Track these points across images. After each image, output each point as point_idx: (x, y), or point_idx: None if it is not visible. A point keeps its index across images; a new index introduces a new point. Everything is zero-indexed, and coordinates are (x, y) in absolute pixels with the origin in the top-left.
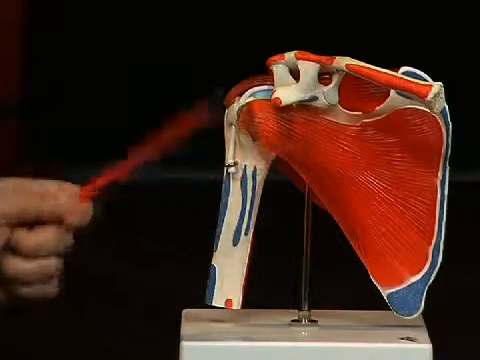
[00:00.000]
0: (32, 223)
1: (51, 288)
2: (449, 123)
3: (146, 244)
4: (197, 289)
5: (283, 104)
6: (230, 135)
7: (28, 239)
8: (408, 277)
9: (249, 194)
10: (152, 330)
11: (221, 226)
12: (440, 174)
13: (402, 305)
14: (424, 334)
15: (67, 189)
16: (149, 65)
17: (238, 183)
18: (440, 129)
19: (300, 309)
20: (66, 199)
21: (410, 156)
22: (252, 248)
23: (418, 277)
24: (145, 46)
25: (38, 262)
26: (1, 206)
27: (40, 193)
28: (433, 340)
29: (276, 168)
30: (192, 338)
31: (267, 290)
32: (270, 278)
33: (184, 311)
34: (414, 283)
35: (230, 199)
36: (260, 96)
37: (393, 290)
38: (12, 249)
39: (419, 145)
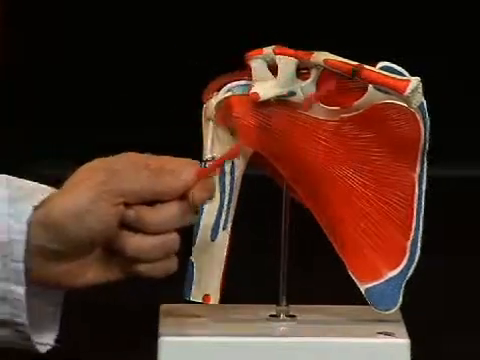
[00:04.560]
0: (149, 201)
1: (172, 263)
2: (427, 118)
3: None
4: (175, 284)
5: (261, 99)
6: (208, 130)
7: (152, 215)
8: (386, 272)
9: (227, 189)
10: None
11: (199, 221)
12: (418, 169)
13: (380, 300)
14: (402, 329)
15: (187, 165)
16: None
17: (216, 178)
18: (418, 124)
19: (278, 304)
20: (187, 176)
21: (388, 151)
22: (230, 243)
23: (396, 272)
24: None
25: (161, 238)
26: (118, 185)
27: (156, 170)
28: (411, 335)
29: (254, 163)
30: (170, 333)
31: (245, 285)
32: (248, 273)
33: (162, 306)
34: (392, 278)
35: None
36: (238, 91)
37: (371, 285)
38: (130, 227)
39: (397, 140)
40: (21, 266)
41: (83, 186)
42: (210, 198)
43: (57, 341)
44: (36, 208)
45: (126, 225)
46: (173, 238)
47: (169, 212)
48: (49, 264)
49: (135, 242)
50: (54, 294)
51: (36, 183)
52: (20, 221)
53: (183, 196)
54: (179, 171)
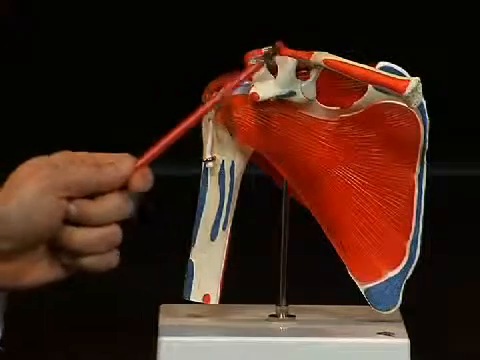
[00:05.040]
0: (91, 194)
1: (113, 257)
2: (427, 118)
3: (123, 239)
4: (175, 284)
5: (261, 99)
6: (208, 130)
7: (95, 208)
8: (386, 272)
9: (227, 189)
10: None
11: (199, 221)
12: (418, 169)
13: (380, 300)
14: (402, 329)
15: (124, 158)
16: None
17: (216, 178)
18: (418, 124)
19: (278, 304)
20: (127, 166)
21: (388, 151)
22: (230, 243)
23: (396, 272)
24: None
25: (103, 230)
26: (60, 179)
27: (96, 164)
28: (411, 335)
29: (254, 163)
30: (170, 333)
31: (245, 285)
32: (248, 273)
33: (162, 306)
34: (392, 278)
35: (208, 194)
36: (238, 91)
37: (371, 285)
38: (74, 221)
39: (397, 140)
40: None
41: (28, 182)
42: (148, 185)
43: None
44: None
45: (69, 219)
46: (115, 231)
47: (111, 203)
48: None
49: (79, 236)
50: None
51: None
52: None
53: (122, 188)
54: (119, 162)
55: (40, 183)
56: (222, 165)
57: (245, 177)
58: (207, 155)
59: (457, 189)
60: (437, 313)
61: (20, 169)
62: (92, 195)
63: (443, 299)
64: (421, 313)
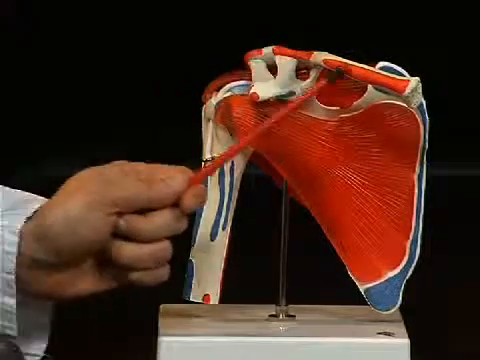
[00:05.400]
0: (142, 209)
1: (163, 272)
2: (426, 118)
3: None
4: (175, 284)
5: (260, 99)
6: (207, 130)
7: (145, 224)
8: (386, 272)
9: (227, 189)
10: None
11: (199, 221)
12: (417, 169)
13: (380, 300)
14: (402, 329)
15: (179, 173)
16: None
17: (216, 178)
18: (418, 124)
19: (278, 304)
20: (179, 183)
21: (388, 151)
22: (230, 243)
23: (396, 272)
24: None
25: (153, 246)
26: (109, 195)
27: (148, 178)
28: (411, 335)
29: (254, 163)
30: (170, 333)
31: (245, 285)
32: (248, 273)
33: (162, 306)
34: (392, 278)
35: (208, 194)
36: (238, 91)
37: (371, 285)
38: (123, 236)
39: (397, 140)
40: (12, 278)
41: (75, 196)
42: (202, 204)
43: (46, 352)
44: (28, 219)
45: (119, 234)
46: (165, 247)
47: (161, 220)
48: (41, 275)
49: (129, 251)
50: (44, 305)
51: (29, 193)
52: (12, 233)
53: (175, 204)
54: (170, 179)
55: (87, 198)
56: (220, 167)
57: (245, 177)
58: (207, 155)
59: (457, 189)
60: (437, 313)
61: (69, 182)
62: (144, 210)
63: (443, 299)
64: (421, 313)
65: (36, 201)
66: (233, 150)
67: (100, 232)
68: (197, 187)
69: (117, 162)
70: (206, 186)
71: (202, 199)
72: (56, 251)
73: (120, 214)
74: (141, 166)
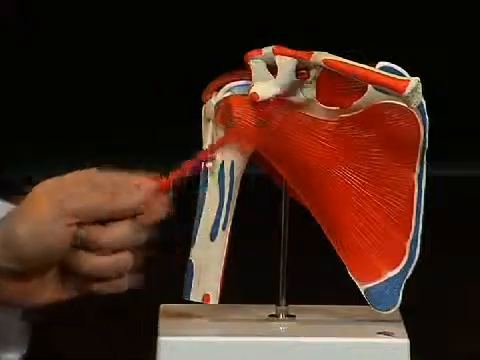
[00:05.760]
0: (104, 220)
1: (123, 282)
2: (426, 118)
3: None
4: (175, 284)
5: (260, 99)
6: (207, 130)
7: (105, 234)
8: (385, 272)
9: (227, 189)
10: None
11: (199, 221)
12: (417, 169)
13: (380, 300)
14: (401, 329)
15: (142, 184)
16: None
17: (215, 178)
18: (417, 124)
19: (278, 304)
20: (141, 196)
21: (387, 151)
22: (230, 243)
23: (396, 272)
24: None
25: (114, 257)
26: (70, 206)
27: (111, 189)
28: (411, 335)
29: (254, 163)
30: (170, 333)
31: (245, 285)
32: (247, 273)
33: (162, 306)
34: (391, 278)
35: (207, 194)
36: (237, 91)
37: (370, 285)
38: (84, 246)
39: (396, 140)
40: None
41: (41, 206)
42: (167, 213)
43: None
44: None
45: (80, 244)
46: (126, 258)
47: (121, 231)
48: (4, 283)
49: (89, 261)
50: (14, 310)
51: None
52: None
53: (137, 215)
54: (134, 190)
55: (52, 209)
56: (222, 165)
57: (245, 177)
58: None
59: (457, 189)
60: (437, 313)
61: (34, 191)
62: (106, 221)
63: (443, 299)
64: (421, 313)
65: (2, 208)
66: (191, 163)
67: (62, 242)
68: (159, 199)
69: (82, 171)
70: (174, 194)
71: (163, 211)
72: (21, 259)
73: (81, 225)
74: (105, 175)
